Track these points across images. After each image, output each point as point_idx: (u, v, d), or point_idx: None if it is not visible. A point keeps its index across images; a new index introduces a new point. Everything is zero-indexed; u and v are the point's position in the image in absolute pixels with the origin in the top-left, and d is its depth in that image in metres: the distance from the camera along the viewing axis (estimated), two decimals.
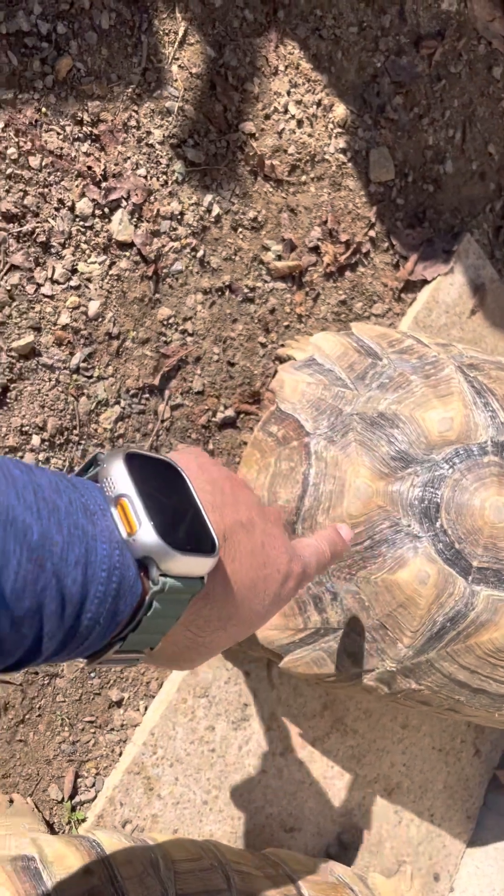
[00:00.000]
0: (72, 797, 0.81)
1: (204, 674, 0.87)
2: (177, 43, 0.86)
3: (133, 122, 0.83)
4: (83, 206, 0.80)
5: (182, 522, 0.35)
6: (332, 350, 0.87)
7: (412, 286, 1.07)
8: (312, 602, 0.78)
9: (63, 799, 0.81)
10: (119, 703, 0.86)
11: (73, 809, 0.81)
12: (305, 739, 0.95)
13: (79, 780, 0.82)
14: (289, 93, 0.94)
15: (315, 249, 0.99)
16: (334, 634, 0.78)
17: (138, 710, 0.87)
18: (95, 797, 0.83)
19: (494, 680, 0.78)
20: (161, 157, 0.85)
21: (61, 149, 0.79)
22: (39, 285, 0.79)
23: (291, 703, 0.94)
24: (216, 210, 0.90)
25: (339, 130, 0.99)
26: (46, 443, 0.80)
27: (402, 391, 0.82)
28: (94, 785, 0.83)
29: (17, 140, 0.77)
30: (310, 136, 0.96)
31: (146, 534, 0.32)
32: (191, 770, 0.86)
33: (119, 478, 0.34)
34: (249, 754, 0.91)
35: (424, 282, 1.07)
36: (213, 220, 0.90)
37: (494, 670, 0.77)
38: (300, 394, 0.84)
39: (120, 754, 0.85)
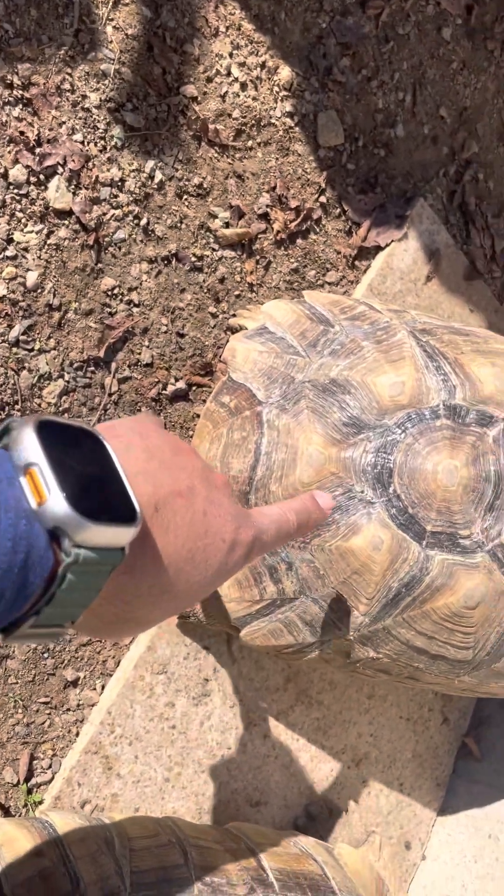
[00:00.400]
0: (27, 780, 0.80)
1: (162, 650, 0.86)
2: (111, 3, 0.83)
3: (67, 86, 0.81)
4: (17, 173, 0.78)
5: (99, 491, 0.33)
6: (284, 318, 0.85)
7: (366, 253, 1.06)
8: (268, 573, 0.77)
9: (18, 782, 0.79)
10: (75, 683, 0.84)
11: (30, 792, 0.80)
12: (269, 713, 0.94)
13: (34, 762, 0.81)
14: (231, 55, 0.92)
15: (264, 216, 0.97)
16: (291, 605, 0.77)
17: (95, 689, 0.85)
18: (52, 779, 0.81)
19: (452, 645, 0.77)
20: (98, 121, 0.83)
21: None
22: None
23: (254, 676, 0.93)
24: (159, 176, 0.87)
25: (285, 93, 0.97)
26: None
27: (353, 357, 0.80)
28: (50, 766, 0.82)
29: None
30: (254, 99, 0.94)
31: (56, 503, 0.31)
32: (151, 748, 0.85)
33: (29, 445, 0.32)
34: (212, 730, 0.89)
35: (378, 248, 1.06)
36: (155, 186, 0.87)
37: (452, 635, 0.77)
38: (252, 363, 0.82)
39: (77, 735, 0.84)
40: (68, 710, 0.84)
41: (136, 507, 0.34)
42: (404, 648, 0.78)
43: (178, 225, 0.90)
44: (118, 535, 0.33)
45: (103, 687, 0.86)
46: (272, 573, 0.76)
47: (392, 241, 1.05)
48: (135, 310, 0.87)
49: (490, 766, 1.12)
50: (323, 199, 1.01)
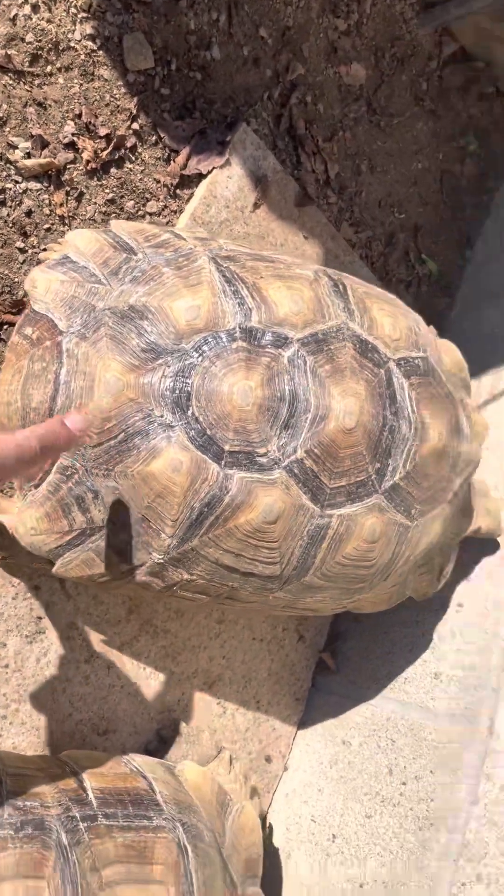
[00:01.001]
0: None
1: None
2: None
3: None
4: None
5: None
6: (87, 247, 0.84)
7: (188, 181, 1.04)
8: (76, 503, 0.77)
9: None
10: None
11: None
12: (112, 645, 0.96)
13: None
14: None
15: (71, 145, 0.94)
16: (101, 533, 0.78)
17: None
18: None
19: (260, 561, 0.80)
20: None
21: None
22: None
23: (92, 611, 0.94)
24: None
25: (84, 15, 0.93)
26: None
27: (153, 283, 0.80)
28: None
29: None
30: (49, 21, 0.90)
31: None
32: None
33: None
34: (49, 665, 0.91)
35: (200, 176, 1.04)
36: None
37: (257, 552, 0.79)
38: (54, 293, 0.81)
39: None
40: None
41: None
42: (215, 567, 0.80)
43: None
44: None
45: None
46: (80, 503, 0.77)
47: (214, 168, 1.04)
48: None
49: (345, 678, 1.17)
50: (136, 125, 0.99)
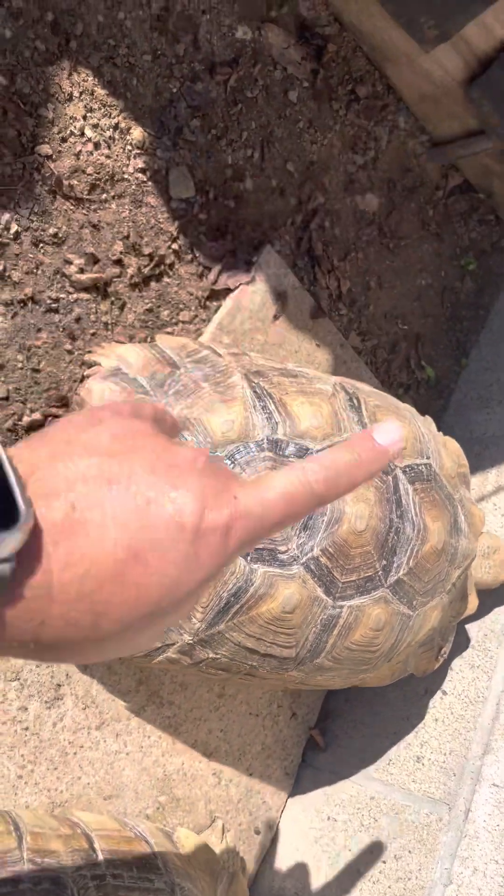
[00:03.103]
0: None
1: (15, 659, 0.94)
2: None
3: None
4: None
5: None
6: (136, 361, 0.95)
7: (217, 294, 1.17)
8: None
9: None
10: None
11: None
12: (121, 713, 1.04)
13: None
14: (85, 117, 1.02)
15: (118, 262, 1.07)
16: None
17: None
18: None
19: (278, 645, 0.89)
20: None
21: None
22: None
23: (106, 680, 1.03)
24: (14, 227, 0.96)
25: (138, 151, 1.07)
26: None
27: (193, 397, 0.91)
28: None
29: None
30: (108, 157, 1.04)
31: None
32: (3, 748, 0.93)
33: None
34: (64, 730, 0.99)
35: (228, 290, 1.17)
36: (11, 237, 0.96)
37: (276, 636, 0.88)
38: (104, 402, 0.92)
39: None
40: None
41: (20, 505, 0.27)
42: (238, 649, 0.89)
43: (34, 271, 0.99)
44: None
45: None
46: None
47: (241, 283, 1.17)
48: None
49: (333, 756, 1.24)
50: (175, 245, 1.12)
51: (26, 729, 0.95)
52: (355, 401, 0.99)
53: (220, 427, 0.88)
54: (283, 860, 1.18)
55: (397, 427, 0.39)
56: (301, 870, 1.16)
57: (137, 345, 0.98)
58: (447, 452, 1.12)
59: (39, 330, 1.00)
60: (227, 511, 0.33)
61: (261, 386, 0.93)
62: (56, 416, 1.01)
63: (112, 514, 0.30)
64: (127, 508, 0.30)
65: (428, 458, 1.03)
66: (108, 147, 1.04)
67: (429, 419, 1.11)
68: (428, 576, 0.99)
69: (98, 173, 1.03)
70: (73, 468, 0.30)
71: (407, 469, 0.99)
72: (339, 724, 1.28)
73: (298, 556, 0.88)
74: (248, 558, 0.86)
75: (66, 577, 0.29)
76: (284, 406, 0.92)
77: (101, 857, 0.81)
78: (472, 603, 1.17)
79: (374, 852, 1.10)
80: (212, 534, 0.32)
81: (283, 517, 0.35)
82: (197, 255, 1.14)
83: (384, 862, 1.08)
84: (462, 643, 1.21)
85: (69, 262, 1.02)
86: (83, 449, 0.31)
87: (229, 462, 0.87)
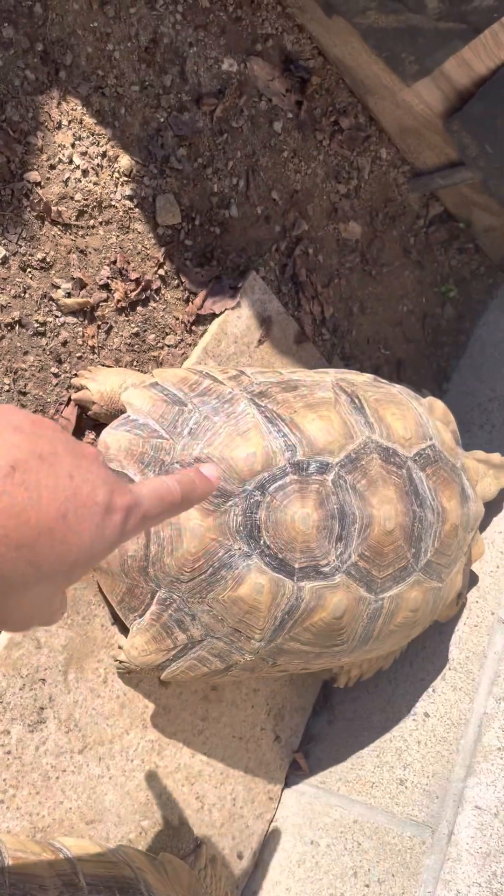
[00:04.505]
0: None
1: None
2: None
3: None
4: None
5: None
6: (143, 405, 0.96)
7: (203, 319, 1.18)
8: (176, 625, 0.93)
9: None
10: None
11: None
12: (104, 737, 1.04)
13: None
14: (73, 145, 1.03)
15: (105, 287, 1.08)
16: (200, 645, 0.94)
17: None
18: None
19: (332, 645, 0.98)
20: None
21: None
22: None
23: (89, 704, 1.02)
24: (2, 252, 0.98)
25: (125, 179, 1.09)
26: None
27: (209, 434, 0.93)
28: None
29: None
30: (95, 184, 1.06)
31: None
32: None
33: None
34: (47, 754, 0.98)
35: (214, 315, 1.19)
36: None
37: (330, 639, 0.96)
38: (124, 452, 0.93)
39: None
40: None
41: None
42: (295, 655, 0.97)
43: (22, 295, 1.00)
44: None
45: None
46: (179, 625, 0.93)
47: (226, 309, 1.18)
48: None
49: (317, 779, 1.24)
50: (162, 271, 1.14)
51: (8, 753, 0.95)
52: (357, 401, 1.01)
53: (244, 462, 0.90)
54: (266, 885, 1.17)
55: (215, 467, 0.52)
56: (284, 894, 1.15)
57: (140, 388, 0.99)
58: (440, 423, 1.14)
59: (26, 353, 1.01)
60: (128, 498, 0.42)
61: (269, 408, 0.95)
62: None
63: (45, 481, 0.37)
64: (57, 479, 0.37)
65: (431, 439, 1.07)
66: (96, 174, 1.06)
67: (420, 394, 1.17)
68: (450, 549, 1.06)
69: (86, 200, 1.05)
70: (8, 439, 0.36)
71: (416, 457, 1.03)
72: (323, 747, 1.28)
73: (339, 566, 0.93)
74: (295, 578, 0.91)
75: (10, 524, 0.35)
76: (297, 426, 0.94)
77: (83, 881, 0.81)
78: (480, 547, 1.20)
79: (357, 876, 1.10)
80: (117, 513, 0.41)
81: (159, 512, 0.45)
82: (183, 280, 1.16)
83: (367, 886, 1.08)
84: (444, 665, 1.22)
85: (56, 287, 1.03)
86: (12, 429, 0.37)
87: (258, 493, 0.89)
